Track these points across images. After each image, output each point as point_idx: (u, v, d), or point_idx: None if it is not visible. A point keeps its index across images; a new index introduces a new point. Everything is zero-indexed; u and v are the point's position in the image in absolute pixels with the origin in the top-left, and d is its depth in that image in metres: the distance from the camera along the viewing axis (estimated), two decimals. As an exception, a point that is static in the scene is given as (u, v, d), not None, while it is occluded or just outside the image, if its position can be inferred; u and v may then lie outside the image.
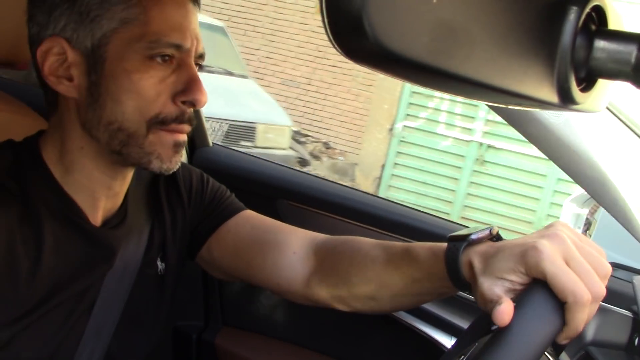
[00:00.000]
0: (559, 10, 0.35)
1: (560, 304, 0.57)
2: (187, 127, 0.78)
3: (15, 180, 0.75)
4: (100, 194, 0.81)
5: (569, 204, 2.68)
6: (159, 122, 0.75)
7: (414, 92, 6.22)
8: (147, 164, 0.77)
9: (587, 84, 0.38)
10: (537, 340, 0.56)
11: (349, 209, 1.25)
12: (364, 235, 0.90)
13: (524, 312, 0.57)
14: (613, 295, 0.89)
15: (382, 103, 6.39)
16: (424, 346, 1.14)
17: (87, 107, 0.75)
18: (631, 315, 0.93)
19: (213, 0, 7.24)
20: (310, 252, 0.89)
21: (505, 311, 0.56)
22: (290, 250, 0.90)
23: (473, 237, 0.68)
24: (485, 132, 5.97)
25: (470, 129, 6.02)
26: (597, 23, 0.37)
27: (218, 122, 4.98)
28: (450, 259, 0.69)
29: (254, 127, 5.20)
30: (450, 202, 6.03)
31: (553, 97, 0.36)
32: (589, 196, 1.84)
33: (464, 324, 1.11)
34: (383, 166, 6.39)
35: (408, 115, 6.29)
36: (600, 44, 0.36)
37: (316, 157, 6.60)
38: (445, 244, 0.71)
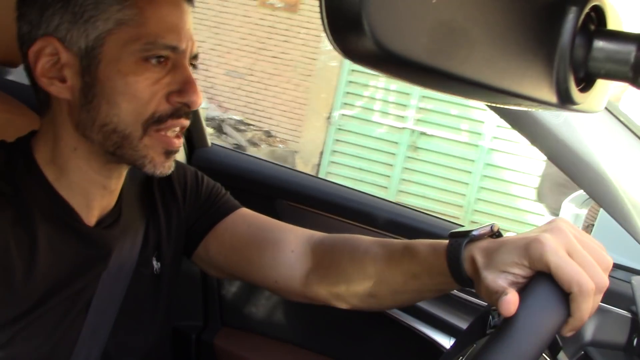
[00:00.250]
0: (558, 10, 0.35)
1: (565, 295, 0.57)
2: (184, 121, 0.77)
3: (8, 182, 0.75)
4: (95, 193, 0.80)
5: (568, 204, 2.69)
6: (155, 122, 0.74)
7: (350, 82, 6.42)
8: (140, 166, 0.77)
9: (586, 84, 0.38)
10: (543, 331, 0.56)
11: (347, 209, 1.26)
12: (363, 235, 0.90)
13: (529, 304, 0.57)
14: (612, 296, 0.90)
15: (320, 92, 6.56)
16: (423, 346, 1.14)
17: (80, 109, 0.74)
18: (630, 316, 0.93)
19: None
20: (308, 249, 0.89)
21: (511, 301, 0.57)
22: (289, 248, 0.90)
23: (475, 233, 0.69)
24: (418, 120, 6.17)
25: (403, 117, 6.21)
26: (596, 23, 0.37)
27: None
28: (452, 254, 0.70)
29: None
30: (385, 187, 6.22)
31: (552, 97, 0.36)
32: (588, 196, 1.84)
33: (463, 325, 1.11)
34: (321, 153, 6.57)
35: (345, 104, 6.47)
36: (599, 44, 0.36)
37: (254, 144, 6.74)
38: (445, 241, 0.72)
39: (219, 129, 6.68)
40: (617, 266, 1.00)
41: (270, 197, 1.31)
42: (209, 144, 1.45)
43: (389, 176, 6.25)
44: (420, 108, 6.12)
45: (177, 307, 1.00)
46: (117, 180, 0.83)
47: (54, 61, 0.73)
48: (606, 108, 0.81)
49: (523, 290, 0.59)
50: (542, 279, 0.59)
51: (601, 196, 0.83)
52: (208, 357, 1.38)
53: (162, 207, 0.93)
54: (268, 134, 6.89)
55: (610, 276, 0.61)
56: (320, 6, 0.27)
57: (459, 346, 0.68)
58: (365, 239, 0.87)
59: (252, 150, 6.60)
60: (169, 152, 0.77)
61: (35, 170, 0.77)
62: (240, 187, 1.11)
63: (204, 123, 1.44)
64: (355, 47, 0.28)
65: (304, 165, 6.55)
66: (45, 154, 0.78)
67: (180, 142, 0.78)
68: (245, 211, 0.97)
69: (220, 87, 6.94)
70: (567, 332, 0.59)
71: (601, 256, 0.61)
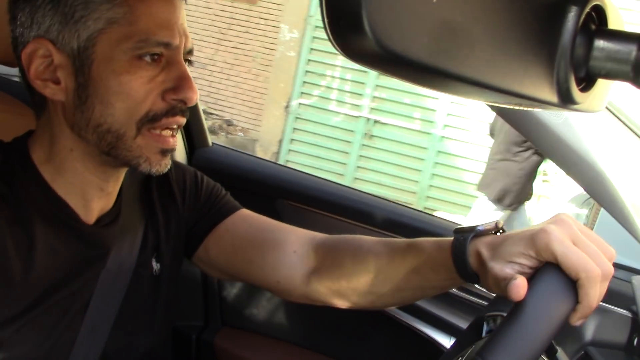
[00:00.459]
0: (559, 10, 0.35)
1: (572, 283, 0.58)
2: (180, 119, 0.76)
3: (4, 181, 0.74)
4: (92, 195, 0.80)
5: (568, 204, 2.69)
6: (150, 120, 0.74)
7: (307, 71, 6.54)
8: (136, 165, 0.76)
9: (586, 84, 0.38)
10: (552, 318, 0.57)
11: (348, 209, 1.26)
12: (364, 235, 0.90)
13: (538, 291, 0.58)
14: (612, 295, 0.89)
15: (279, 82, 6.67)
16: (423, 346, 1.14)
17: (74, 110, 0.74)
18: (630, 315, 0.93)
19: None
20: (310, 250, 0.89)
21: (520, 284, 0.58)
22: (291, 248, 0.90)
23: (480, 228, 0.70)
24: (372, 108, 6.28)
25: (359, 106, 6.33)
26: (596, 23, 0.37)
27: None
28: (457, 250, 0.70)
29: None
30: (342, 174, 6.33)
31: (553, 97, 0.36)
32: (588, 196, 1.85)
33: (463, 324, 1.11)
34: (280, 142, 6.69)
35: (303, 93, 6.60)
36: (600, 43, 0.36)
37: (214, 133, 6.86)
38: (449, 238, 0.73)
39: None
40: (617, 266, 1.00)
41: (271, 197, 1.31)
42: (210, 144, 1.45)
43: (345, 164, 6.39)
44: (375, 97, 6.25)
45: (177, 307, 1.00)
46: (115, 182, 0.83)
47: (47, 63, 0.72)
48: (606, 107, 0.81)
49: (530, 279, 0.60)
50: (549, 269, 0.59)
51: (601, 195, 0.83)
52: (208, 357, 1.38)
53: (161, 208, 0.92)
54: (229, 122, 7.03)
55: None
56: (321, 6, 0.27)
57: (459, 346, 0.68)
58: (368, 239, 0.87)
59: (211, 139, 6.79)
60: (165, 151, 0.77)
61: (31, 170, 0.77)
62: (241, 187, 1.11)
63: (204, 123, 1.44)
64: (356, 47, 0.28)
65: (263, 153, 6.66)
66: (42, 154, 0.77)
67: (175, 141, 0.78)
68: (245, 212, 0.96)
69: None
70: (577, 320, 0.59)
71: (604, 246, 0.62)
